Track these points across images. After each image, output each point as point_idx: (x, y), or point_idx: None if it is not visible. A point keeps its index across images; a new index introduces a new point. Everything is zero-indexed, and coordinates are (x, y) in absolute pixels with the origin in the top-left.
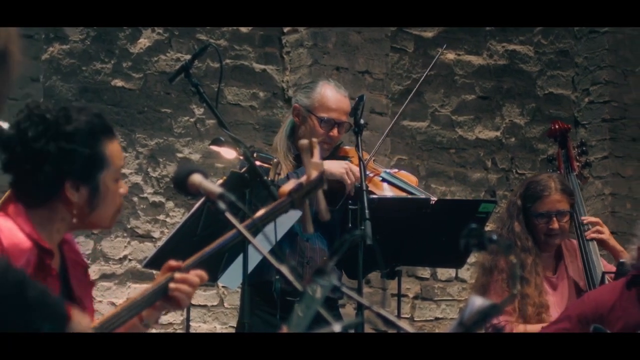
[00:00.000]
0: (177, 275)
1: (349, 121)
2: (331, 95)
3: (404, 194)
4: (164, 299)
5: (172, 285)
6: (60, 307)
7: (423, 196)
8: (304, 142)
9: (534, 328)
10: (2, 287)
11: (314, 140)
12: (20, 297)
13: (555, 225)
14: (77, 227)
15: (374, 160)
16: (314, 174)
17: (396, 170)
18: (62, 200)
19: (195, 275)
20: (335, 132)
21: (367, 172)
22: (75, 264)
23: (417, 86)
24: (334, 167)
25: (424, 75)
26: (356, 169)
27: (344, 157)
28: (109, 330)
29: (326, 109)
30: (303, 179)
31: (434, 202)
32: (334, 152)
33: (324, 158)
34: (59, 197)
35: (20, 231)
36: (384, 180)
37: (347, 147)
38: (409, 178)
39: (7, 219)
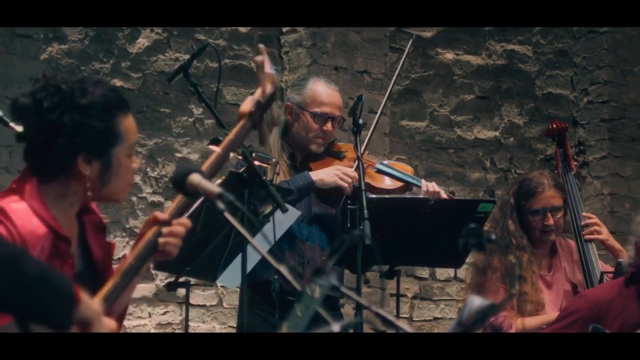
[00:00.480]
0: (165, 229)
1: (341, 115)
2: (322, 90)
3: (401, 184)
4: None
5: (161, 240)
6: (67, 286)
7: (419, 183)
8: (258, 57)
9: (531, 322)
10: None
11: (262, 47)
12: (15, 271)
13: (551, 221)
14: (91, 200)
15: (367, 153)
16: (269, 86)
17: (388, 161)
18: (75, 173)
19: (180, 224)
20: (329, 126)
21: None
22: (94, 225)
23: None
24: (326, 176)
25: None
26: (348, 170)
27: (339, 153)
28: (114, 298)
29: (318, 104)
30: (258, 94)
31: (432, 202)
32: (329, 148)
33: (319, 153)
34: (71, 171)
35: (35, 216)
36: (379, 171)
37: (341, 142)
38: (404, 168)
39: (21, 202)
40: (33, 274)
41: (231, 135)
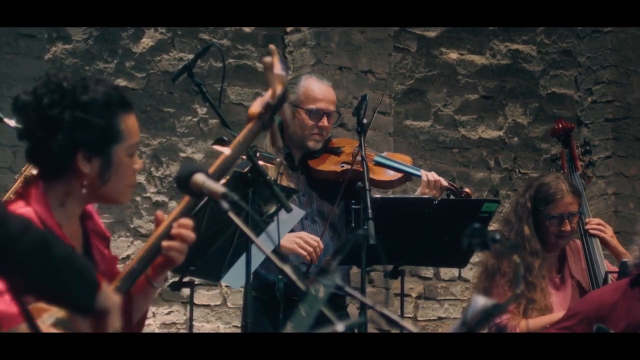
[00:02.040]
0: (172, 231)
1: (336, 110)
2: (316, 86)
3: (400, 175)
4: (161, 257)
5: (164, 243)
6: (91, 272)
7: (418, 173)
8: (267, 58)
9: (535, 323)
10: (23, 242)
11: (273, 47)
12: (44, 253)
13: (567, 227)
14: (91, 200)
15: (365, 147)
16: (279, 87)
17: (387, 152)
18: (75, 171)
19: (184, 226)
20: (325, 121)
21: (358, 158)
22: (97, 236)
23: None
24: (287, 242)
25: None
26: (310, 239)
27: (336, 149)
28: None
29: (313, 100)
30: (268, 95)
31: (436, 201)
32: (326, 145)
33: (317, 150)
34: (71, 168)
35: (40, 222)
36: (378, 163)
37: (337, 138)
38: (403, 158)
39: (27, 207)
40: (61, 256)
41: (240, 137)
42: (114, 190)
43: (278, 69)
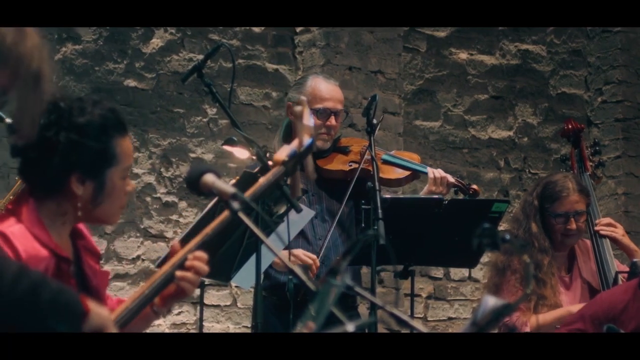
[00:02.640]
0: (186, 263)
1: (344, 109)
2: (322, 86)
3: (408, 173)
4: (172, 287)
5: (178, 273)
6: (76, 307)
7: (425, 170)
8: (298, 108)
9: (545, 318)
10: (15, 292)
11: (303, 99)
12: (34, 302)
13: (573, 225)
14: (82, 221)
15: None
16: (306, 138)
17: (395, 151)
18: (68, 193)
19: (199, 259)
20: (332, 121)
21: (367, 157)
22: (88, 252)
23: None
24: (279, 261)
25: None
26: (304, 257)
27: (344, 148)
28: (124, 324)
29: (319, 100)
30: (295, 144)
31: (446, 201)
32: (334, 144)
33: (325, 149)
34: (64, 190)
35: (35, 239)
36: (385, 162)
37: (346, 137)
38: (410, 156)
39: (18, 225)
40: (49, 299)
41: (263, 179)
42: (106, 213)
43: (307, 119)
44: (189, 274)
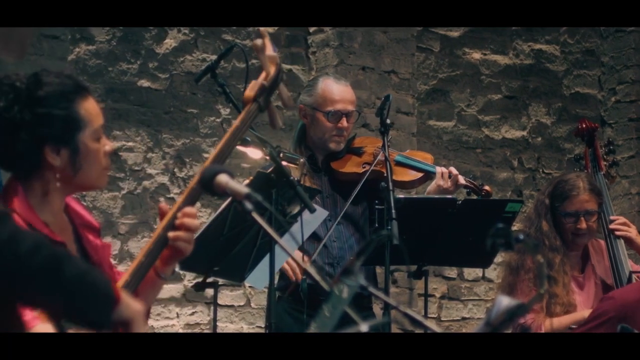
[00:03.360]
0: (176, 222)
1: (356, 110)
2: (333, 87)
3: (421, 174)
4: (168, 248)
5: (171, 234)
6: (106, 287)
7: (433, 170)
8: (258, 40)
9: (560, 321)
10: (33, 261)
11: (262, 30)
12: (56, 273)
13: (583, 225)
14: (69, 191)
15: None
16: (272, 68)
17: (409, 150)
18: (46, 166)
19: (188, 215)
20: (344, 122)
21: (380, 158)
22: (86, 227)
23: None
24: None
25: None
26: (291, 263)
27: (358, 149)
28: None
29: (330, 102)
30: (262, 77)
31: (460, 201)
32: (348, 145)
33: (340, 151)
34: (42, 164)
35: (26, 225)
36: (398, 163)
37: (360, 137)
38: (423, 156)
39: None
40: (73, 274)
41: (237, 121)
42: (89, 177)
43: (270, 50)
44: (181, 233)
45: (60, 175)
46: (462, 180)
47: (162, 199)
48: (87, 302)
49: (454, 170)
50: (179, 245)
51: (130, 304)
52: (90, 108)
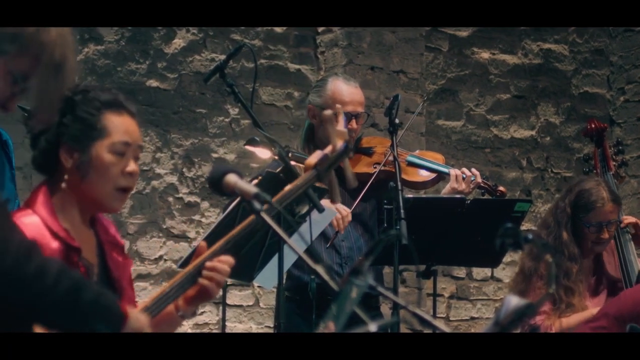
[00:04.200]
0: (208, 264)
1: (365, 111)
2: (343, 88)
3: (434, 175)
4: (195, 288)
5: (205, 273)
6: (116, 310)
7: (447, 171)
8: (328, 112)
9: (569, 321)
10: (57, 291)
11: (339, 106)
12: (75, 302)
13: (606, 235)
14: (80, 200)
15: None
16: (339, 143)
17: (419, 151)
18: (61, 168)
19: (225, 263)
20: (353, 124)
21: (389, 158)
22: (111, 244)
23: None
24: None
25: None
26: (343, 212)
27: (368, 149)
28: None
29: (340, 103)
30: (328, 149)
31: (469, 201)
32: (357, 145)
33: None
34: (58, 165)
35: (46, 228)
36: (410, 163)
37: (367, 137)
38: (434, 156)
39: (33, 216)
40: (90, 301)
41: (293, 183)
42: (95, 188)
43: (341, 125)
44: (213, 274)
45: (68, 177)
46: (479, 179)
47: (170, 198)
48: (100, 324)
49: (474, 171)
50: (208, 285)
51: (138, 318)
52: (119, 123)
